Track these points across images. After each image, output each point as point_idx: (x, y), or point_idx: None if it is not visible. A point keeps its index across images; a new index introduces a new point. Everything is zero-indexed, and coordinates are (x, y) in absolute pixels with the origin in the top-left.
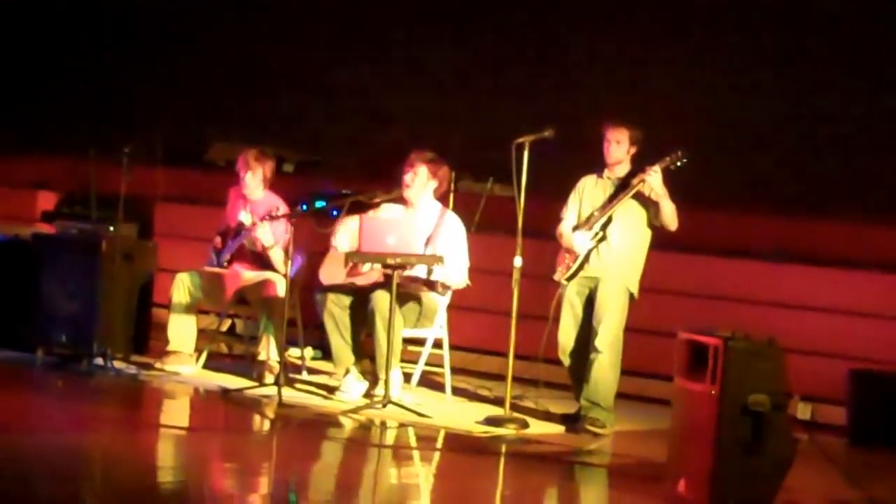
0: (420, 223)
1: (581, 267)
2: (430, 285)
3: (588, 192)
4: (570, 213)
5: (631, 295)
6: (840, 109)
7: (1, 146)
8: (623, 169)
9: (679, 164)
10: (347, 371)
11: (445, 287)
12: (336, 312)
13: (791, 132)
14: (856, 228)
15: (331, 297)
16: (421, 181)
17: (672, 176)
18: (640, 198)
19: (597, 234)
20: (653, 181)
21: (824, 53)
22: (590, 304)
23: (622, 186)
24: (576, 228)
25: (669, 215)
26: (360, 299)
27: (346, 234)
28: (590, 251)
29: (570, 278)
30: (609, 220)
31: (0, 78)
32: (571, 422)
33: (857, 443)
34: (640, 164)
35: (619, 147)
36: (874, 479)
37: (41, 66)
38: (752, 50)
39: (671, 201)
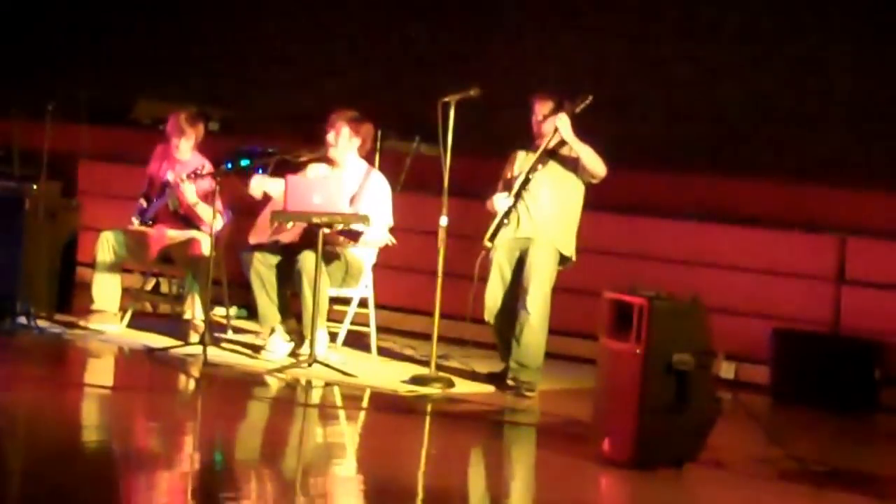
0: (345, 182)
1: (500, 226)
2: (353, 236)
3: (519, 164)
4: (500, 185)
5: (564, 257)
6: (765, 70)
7: None
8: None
9: (584, 105)
10: (273, 330)
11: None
12: (262, 271)
13: (719, 92)
14: (780, 188)
15: (257, 255)
16: (343, 140)
17: (597, 133)
18: (562, 158)
19: (516, 192)
20: (559, 125)
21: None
22: (519, 266)
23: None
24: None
25: (587, 159)
26: (287, 258)
27: (258, 183)
28: (509, 210)
29: (491, 238)
30: (527, 179)
31: None
32: (498, 380)
33: (780, 401)
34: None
35: (543, 120)
36: (796, 437)
37: None
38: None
39: (585, 145)
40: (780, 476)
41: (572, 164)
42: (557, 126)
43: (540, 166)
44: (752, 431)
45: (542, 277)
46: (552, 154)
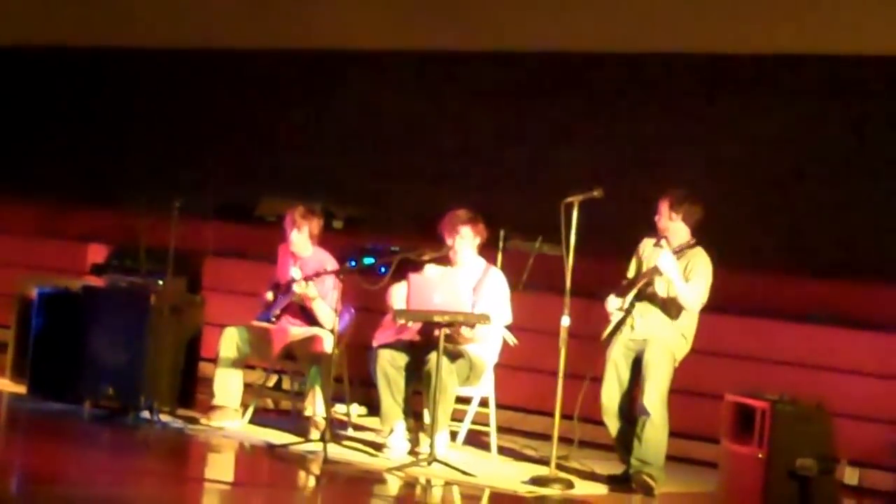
0: (464, 279)
1: (617, 329)
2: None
3: (645, 256)
4: (629, 275)
5: (675, 360)
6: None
7: (53, 199)
8: (678, 238)
9: (690, 245)
10: (393, 429)
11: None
12: (389, 371)
13: (847, 194)
14: None
15: (384, 354)
16: (466, 242)
17: (724, 238)
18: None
19: (628, 303)
20: (659, 263)
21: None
22: (636, 366)
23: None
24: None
25: (681, 298)
26: (413, 358)
27: (399, 297)
28: (623, 318)
29: (607, 338)
30: (638, 294)
31: (53, 131)
32: (619, 483)
33: None
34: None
35: (660, 218)
36: None
37: (92, 119)
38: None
39: (686, 283)
40: None
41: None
42: (658, 265)
43: (651, 282)
44: None
45: (659, 376)
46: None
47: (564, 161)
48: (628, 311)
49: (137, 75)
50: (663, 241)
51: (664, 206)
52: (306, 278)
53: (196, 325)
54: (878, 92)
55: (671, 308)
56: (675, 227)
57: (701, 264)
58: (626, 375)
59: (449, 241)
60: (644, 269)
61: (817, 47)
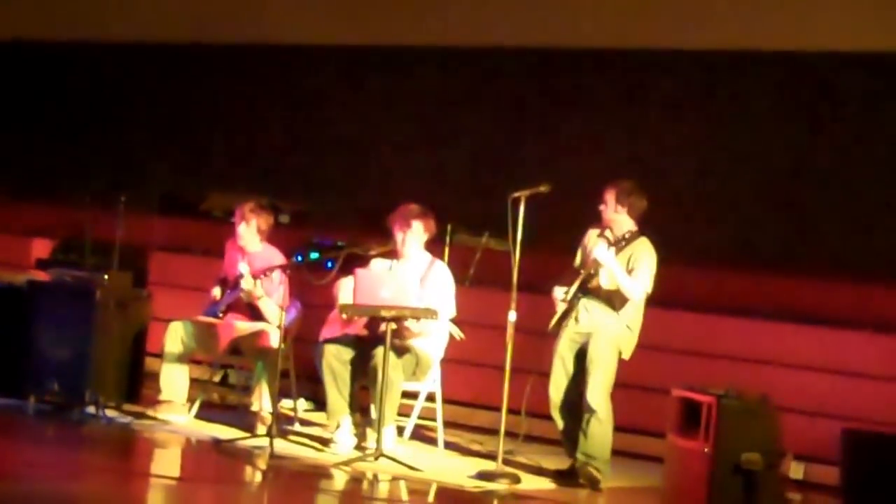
0: (412, 274)
1: (563, 319)
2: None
3: (590, 246)
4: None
5: (620, 355)
6: (844, 167)
7: None
8: (622, 229)
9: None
10: (339, 424)
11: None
12: (335, 365)
13: (793, 190)
14: (853, 288)
15: (330, 349)
16: (416, 237)
17: (670, 233)
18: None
19: (572, 293)
20: (597, 255)
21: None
22: (581, 359)
23: (615, 243)
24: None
25: (624, 289)
26: (359, 353)
27: (346, 292)
28: (569, 308)
29: (552, 329)
30: (581, 284)
31: None
32: (565, 477)
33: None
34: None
35: (605, 209)
36: None
37: (37, 114)
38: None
39: (628, 273)
40: None
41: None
42: (598, 259)
43: (593, 274)
44: None
45: (602, 371)
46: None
47: (511, 156)
48: (573, 303)
49: (83, 70)
50: (607, 232)
51: (610, 197)
52: (254, 274)
53: (142, 319)
54: (834, 85)
55: (615, 299)
56: (620, 218)
57: (645, 253)
58: (572, 369)
59: (399, 236)
60: (589, 260)
61: (763, 44)
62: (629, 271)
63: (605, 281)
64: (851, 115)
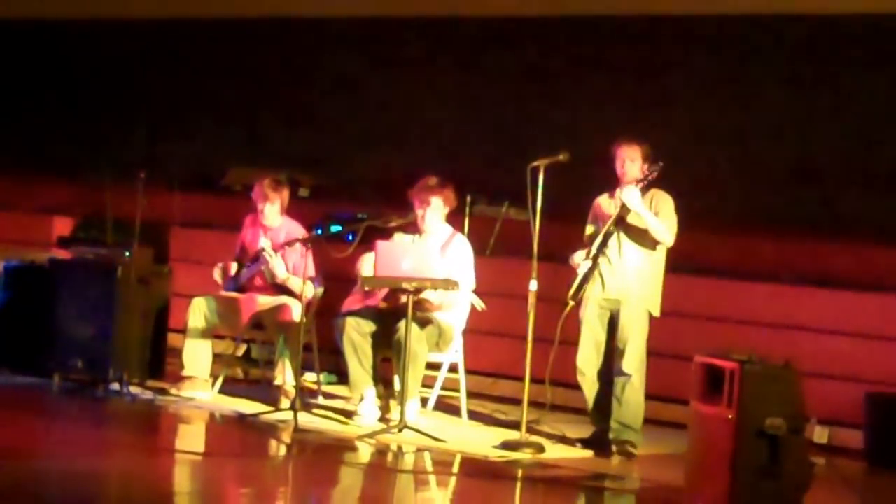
0: (433, 246)
1: (582, 285)
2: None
3: (602, 213)
4: (585, 238)
5: (650, 315)
6: (855, 135)
7: (17, 171)
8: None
9: (655, 174)
10: (363, 396)
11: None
12: (355, 338)
13: (809, 158)
14: (876, 252)
15: (350, 322)
16: (436, 211)
17: (689, 199)
18: (635, 225)
19: (593, 254)
20: (625, 197)
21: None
22: (610, 325)
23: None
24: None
25: (655, 230)
26: (380, 325)
27: (368, 266)
28: (590, 270)
29: (573, 296)
30: (605, 241)
31: (17, 103)
32: (592, 446)
33: (875, 466)
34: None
35: (632, 165)
36: (891, 503)
37: (58, 90)
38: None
39: (653, 216)
40: None
41: (645, 230)
42: (624, 200)
43: (614, 229)
44: (846, 497)
45: (637, 338)
46: (624, 221)
47: (531, 125)
48: (595, 262)
49: (102, 46)
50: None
51: (636, 154)
52: (276, 248)
53: (164, 296)
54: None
55: (645, 241)
56: (638, 176)
57: (665, 199)
58: (602, 337)
59: (419, 211)
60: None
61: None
62: (655, 214)
63: (628, 235)
64: (874, 81)
